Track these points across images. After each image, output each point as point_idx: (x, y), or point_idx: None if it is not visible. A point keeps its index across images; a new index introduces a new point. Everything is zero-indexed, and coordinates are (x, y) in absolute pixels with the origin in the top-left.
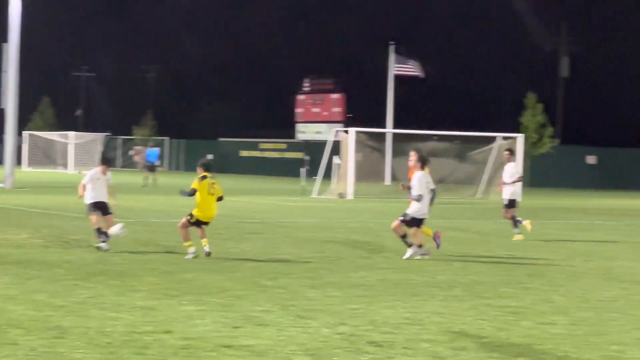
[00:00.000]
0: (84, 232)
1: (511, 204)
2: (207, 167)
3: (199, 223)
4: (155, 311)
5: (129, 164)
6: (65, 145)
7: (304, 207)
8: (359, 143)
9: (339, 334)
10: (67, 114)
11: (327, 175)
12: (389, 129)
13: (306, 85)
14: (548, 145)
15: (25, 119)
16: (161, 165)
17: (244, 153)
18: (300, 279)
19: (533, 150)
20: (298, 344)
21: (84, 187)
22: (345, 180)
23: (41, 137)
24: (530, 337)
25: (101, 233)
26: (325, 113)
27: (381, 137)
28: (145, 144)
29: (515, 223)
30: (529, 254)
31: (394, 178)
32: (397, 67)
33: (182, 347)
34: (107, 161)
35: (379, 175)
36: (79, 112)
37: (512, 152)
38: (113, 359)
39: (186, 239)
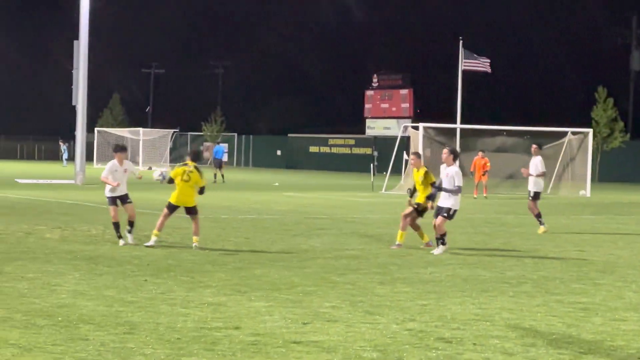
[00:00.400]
0: (154, 228)
1: (536, 196)
2: (194, 156)
3: (172, 207)
4: (224, 307)
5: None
6: (135, 141)
7: (373, 203)
8: (427, 138)
9: (407, 330)
10: (137, 110)
11: (396, 171)
12: (458, 125)
13: (375, 80)
14: (619, 139)
15: (96, 116)
16: (226, 161)
17: (313, 149)
18: (369, 274)
19: (604, 145)
20: (367, 340)
21: (107, 179)
22: None
23: (111, 133)
24: (601, 334)
25: (118, 227)
26: (393, 109)
27: (449, 132)
28: (214, 140)
29: (539, 217)
30: (599, 250)
31: (462, 174)
32: (466, 62)
33: (251, 343)
34: (121, 149)
35: None
36: (148, 108)
37: (539, 146)
38: (183, 354)
39: (158, 227)
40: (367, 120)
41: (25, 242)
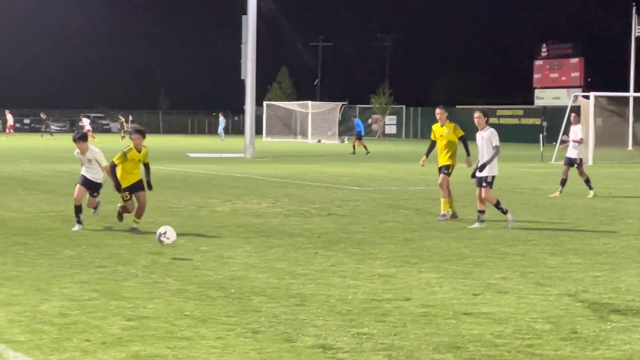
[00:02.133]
0: (324, 200)
1: (580, 162)
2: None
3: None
4: (394, 279)
5: (367, 132)
6: (303, 114)
7: (543, 174)
8: (598, 107)
9: (580, 301)
10: (306, 84)
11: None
12: (631, 93)
13: (544, 50)
14: None
15: (264, 89)
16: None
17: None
18: (540, 245)
19: None
20: (538, 311)
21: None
22: (585, 145)
23: (280, 107)
24: None
25: (79, 212)
26: (563, 78)
27: (622, 101)
28: (383, 112)
29: (589, 182)
30: None
31: (636, 142)
32: None
33: (421, 314)
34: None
35: (619, 140)
36: (316, 81)
37: (578, 114)
38: (353, 326)
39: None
40: (536, 91)
41: (197, 215)
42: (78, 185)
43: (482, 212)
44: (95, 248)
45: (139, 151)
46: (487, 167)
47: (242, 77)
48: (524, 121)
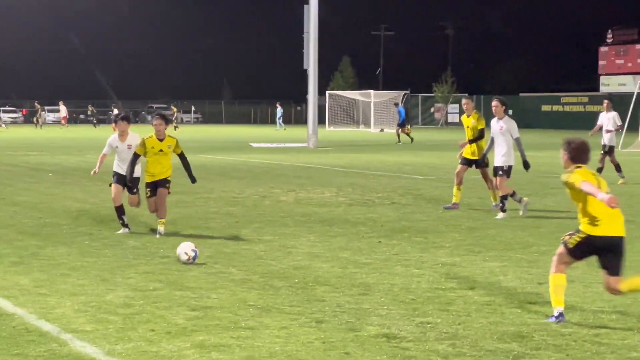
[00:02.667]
0: (387, 189)
1: (611, 149)
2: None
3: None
4: (458, 267)
5: (429, 121)
6: (366, 104)
7: (607, 161)
8: None
9: None
10: (368, 73)
11: (632, 127)
12: None
13: (609, 36)
14: None
15: (327, 79)
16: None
17: (545, 107)
18: None
19: None
20: (605, 300)
21: (103, 157)
22: None
23: (342, 96)
24: None
25: (122, 213)
26: (629, 64)
27: None
28: (445, 101)
29: (619, 168)
30: None
31: None
32: None
33: (486, 303)
34: (126, 119)
35: None
36: (379, 70)
37: (610, 101)
38: (417, 315)
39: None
40: (601, 77)
41: (261, 205)
42: (113, 185)
43: (504, 198)
44: (159, 238)
45: (161, 139)
46: (504, 157)
47: (305, 67)
48: (589, 108)
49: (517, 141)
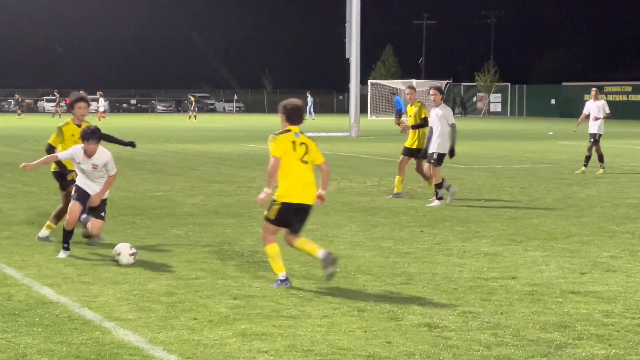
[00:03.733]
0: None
1: (594, 137)
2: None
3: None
4: (500, 257)
5: (471, 110)
6: None
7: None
8: None
9: None
10: (410, 62)
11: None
12: None
13: None
14: None
15: (369, 68)
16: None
17: (588, 97)
18: None
19: None
20: None
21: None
22: None
23: (384, 85)
24: None
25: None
26: None
27: None
28: (488, 90)
29: (602, 158)
30: None
31: None
32: None
33: (528, 292)
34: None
35: None
36: (421, 60)
37: (599, 89)
38: (459, 304)
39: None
40: None
41: None
42: (73, 202)
43: (438, 187)
44: (201, 227)
45: (80, 125)
46: (437, 144)
47: (347, 56)
48: (632, 97)
49: (453, 127)
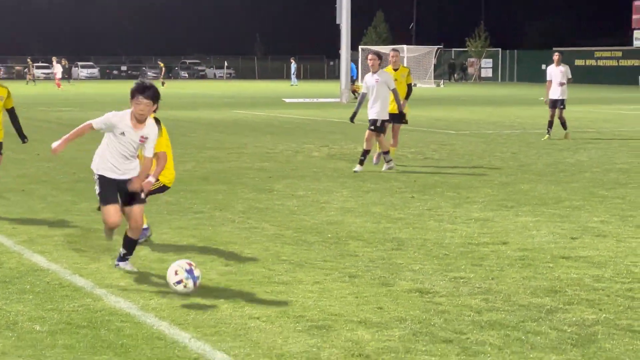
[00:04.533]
0: (419, 144)
1: (561, 103)
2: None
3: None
4: (491, 222)
5: (462, 76)
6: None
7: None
8: None
9: None
10: (401, 28)
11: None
12: None
13: None
14: None
15: (360, 34)
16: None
17: (579, 62)
18: (639, 189)
19: None
20: (639, 255)
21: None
22: None
23: (376, 51)
24: None
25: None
26: None
27: None
28: (479, 56)
29: (564, 124)
30: None
31: None
32: None
33: (518, 258)
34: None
35: None
36: (412, 25)
37: (561, 55)
38: (450, 270)
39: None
40: (634, 32)
41: (293, 160)
42: (110, 206)
43: (386, 153)
44: (192, 194)
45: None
46: (377, 112)
47: (337, 22)
48: (623, 63)
49: (395, 92)
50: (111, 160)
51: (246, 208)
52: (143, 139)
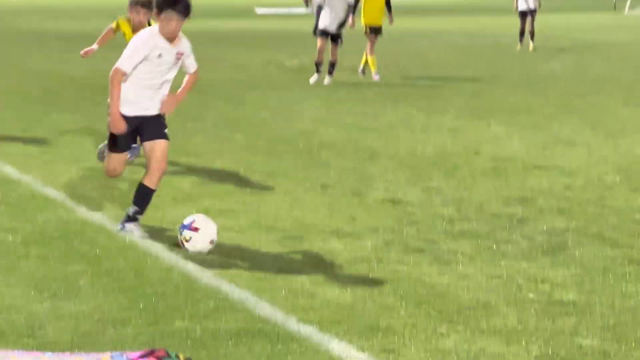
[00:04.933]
0: (392, 54)
1: (532, 14)
2: None
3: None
4: (463, 132)
5: None
6: None
7: (616, 25)
8: None
9: None
10: None
11: None
12: None
13: None
14: None
15: None
16: None
17: None
18: (613, 96)
19: None
20: (609, 163)
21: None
22: None
23: None
24: None
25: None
26: None
27: None
28: None
29: (532, 35)
30: None
31: None
32: None
33: (491, 167)
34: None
35: None
36: None
37: None
38: (423, 180)
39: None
40: None
41: (265, 71)
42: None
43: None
44: None
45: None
46: (328, 19)
47: None
48: None
49: (349, 7)
50: (133, 94)
51: (218, 119)
52: (180, 55)
